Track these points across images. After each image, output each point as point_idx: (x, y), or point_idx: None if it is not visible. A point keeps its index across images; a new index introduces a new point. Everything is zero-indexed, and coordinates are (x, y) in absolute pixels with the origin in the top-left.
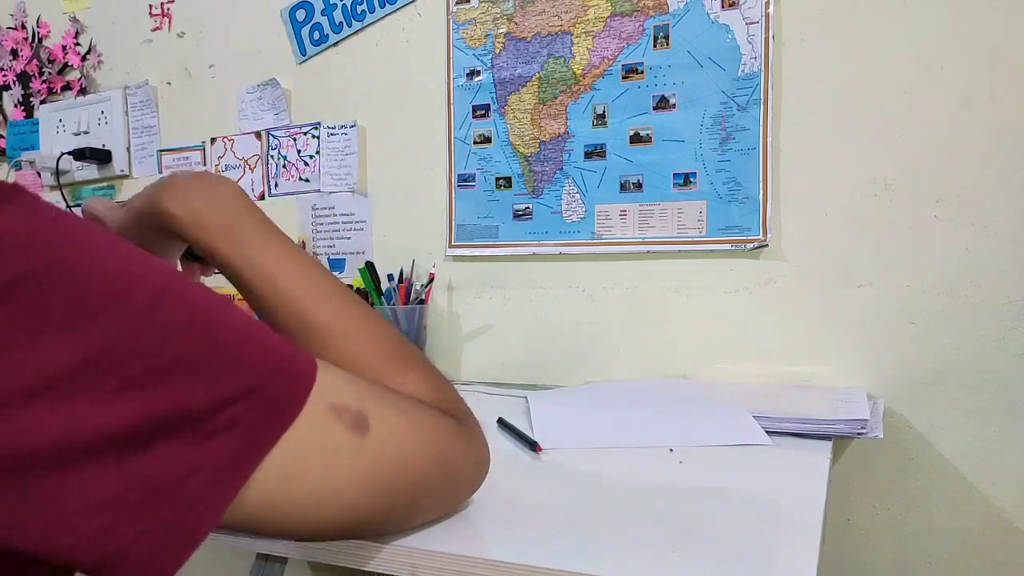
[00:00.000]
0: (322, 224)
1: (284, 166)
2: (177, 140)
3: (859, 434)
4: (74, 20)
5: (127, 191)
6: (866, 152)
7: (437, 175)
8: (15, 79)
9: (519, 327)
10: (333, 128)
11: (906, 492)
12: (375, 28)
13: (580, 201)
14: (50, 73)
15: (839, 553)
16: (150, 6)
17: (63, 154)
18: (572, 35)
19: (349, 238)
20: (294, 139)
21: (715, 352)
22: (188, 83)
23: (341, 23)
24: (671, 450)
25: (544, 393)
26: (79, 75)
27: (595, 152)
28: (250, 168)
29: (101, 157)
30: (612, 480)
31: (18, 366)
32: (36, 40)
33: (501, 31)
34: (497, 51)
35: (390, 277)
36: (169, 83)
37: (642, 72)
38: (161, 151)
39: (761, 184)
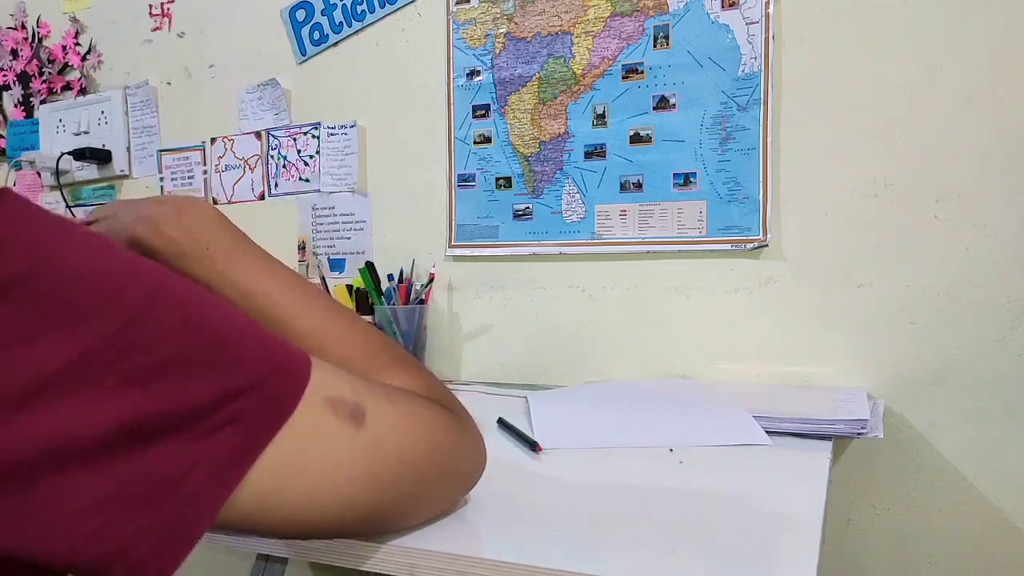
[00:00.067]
0: (322, 224)
1: (284, 166)
2: (177, 140)
3: (859, 434)
4: (74, 20)
5: (127, 191)
6: (866, 152)
7: (437, 175)
8: (15, 79)
9: (519, 327)
10: (333, 128)
11: (906, 492)
12: (375, 28)
13: (580, 201)
14: (50, 73)
15: (839, 553)
16: (150, 6)
17: (63, 154)
18: (572, 35)
19: (349, 238)
20: (294, 139)
21: (715, 352)
22: (188, 83)
23: (341, 23)
24: (671, 450)
25: (544, 393)
26: (79, 75)
27: (595, 152)
28: (250, 168)
29: (101, 157)
30: (612, 480)
31: (15, 368)
32: (36, 40)
33: (501, 31)
34: (497, 51)
35: (390, 277)
36: (169, 83)
37: (642, 72)
38: (161, 151)
39: (761, 184)
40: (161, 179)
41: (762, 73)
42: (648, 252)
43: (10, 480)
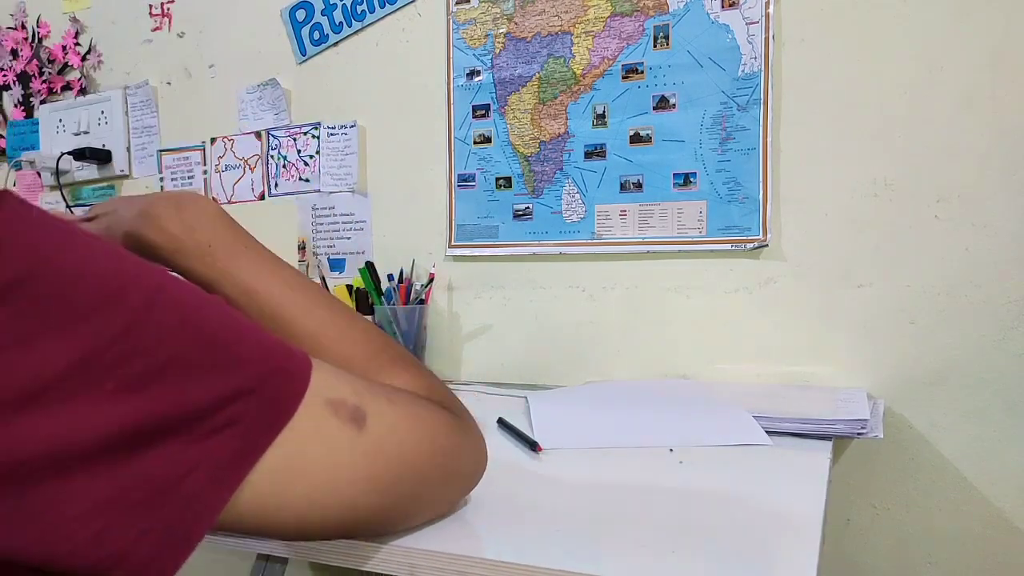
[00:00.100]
0: (322, 224)
1: (284, 166)
2: (177, 140)
3: (859, 434)
4: (74, 20)
5: (127, 191)
6: (866, 152)
7: (437, 175)
8: (15, 79)
9: (519, 327)
10: (333, 128)
11: (906, 492)
12: (375, 28)
13: (580, 201)
14: (50, 73)
15: (839, 553)
16: (150, 6)
17: (63, 154)
18: (572, 35)
19: (349, 238)
20: (294, 139)
21: (715, 352)
22: (188, 83)
23: (341, 23)
24: (671, 450)
25: (544, 393)
26: (79, 75)
27: (595, 152)
28: (250, 168)
29: (101, 157)
30: (612, 480)
31: (14, 370)
32: (36, 40)
33: (501, 31)
34: (497, 51)
35: (390, 277)
36: (169, 83)
37: (642, 72)
38: (161, 151)
39: (761, 184)
40: (161, 179)
41: (762, 73)
42: (648, 252)
43: (9, 483)
